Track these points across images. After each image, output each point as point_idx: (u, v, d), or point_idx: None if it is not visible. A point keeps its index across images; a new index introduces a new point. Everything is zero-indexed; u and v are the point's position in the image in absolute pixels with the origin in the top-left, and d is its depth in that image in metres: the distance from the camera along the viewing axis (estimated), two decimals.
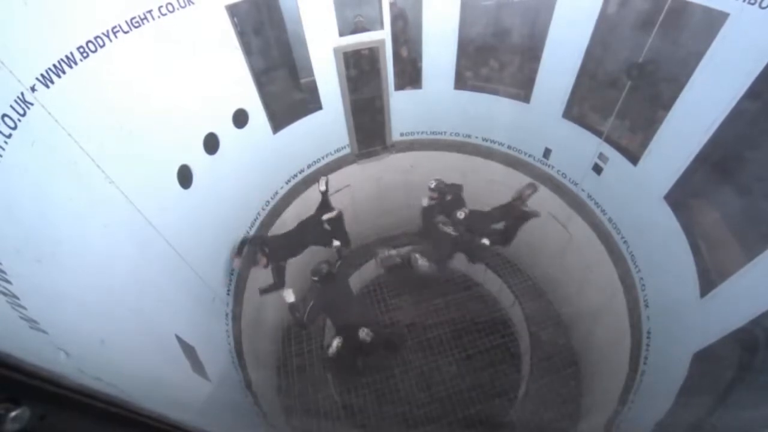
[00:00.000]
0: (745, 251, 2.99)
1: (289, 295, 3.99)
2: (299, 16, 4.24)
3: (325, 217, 4.40)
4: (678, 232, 3.55)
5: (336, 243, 4.54)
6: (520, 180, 5.52)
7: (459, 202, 4.76)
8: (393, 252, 4.68)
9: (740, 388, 2.75)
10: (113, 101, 2.62)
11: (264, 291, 4.65)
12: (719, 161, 3.32)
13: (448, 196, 4.70)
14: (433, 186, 4.62)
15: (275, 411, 4.62)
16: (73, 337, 1.81)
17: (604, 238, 4.61)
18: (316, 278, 4.04)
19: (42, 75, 2.09)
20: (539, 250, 6.16)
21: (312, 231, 4.49)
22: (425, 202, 4.74)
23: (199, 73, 3.47)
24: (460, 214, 4.43)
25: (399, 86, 5.36)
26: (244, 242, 4.25)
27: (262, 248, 4.19)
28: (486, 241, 4.45)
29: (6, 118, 1.83)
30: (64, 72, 2.22)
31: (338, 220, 4.50)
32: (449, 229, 4.36)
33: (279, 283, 4.53)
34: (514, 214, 4.69)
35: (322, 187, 4.61)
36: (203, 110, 3.62)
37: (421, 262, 4.28)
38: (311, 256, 4.76)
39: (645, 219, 3.97)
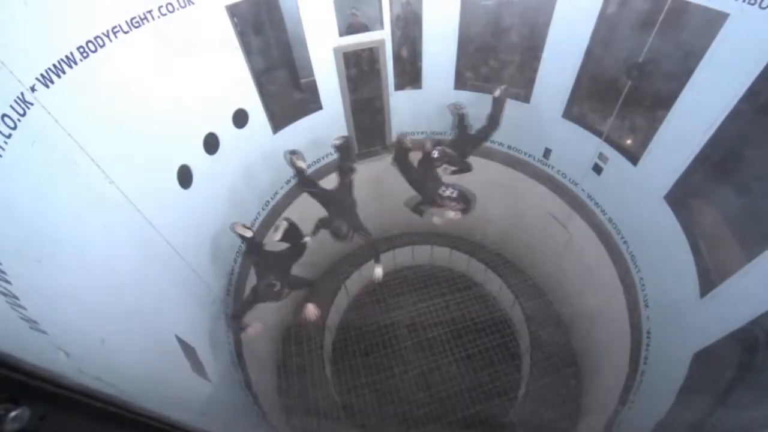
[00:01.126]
0: (745, 251, 2.99)
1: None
2: (299, 16, 4.24)
3: (277, 238, 3.97)
4: (678, 232, 3.55)
5: (306, 238, 4.18)
6: (521, 180, 5.54)
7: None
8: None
9: (740, 388, 2.75)
10: (113, 101, 2.62)
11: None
12: (719, 161, 3.32)
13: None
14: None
15: (275, 411, 4.63)
16: (73, 337, 1.81)
17: (604, 238, 4.61)
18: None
19: (42, 75, 2.09)
20: (539, 250, 6.16)
21: (281, 260, 4.02)
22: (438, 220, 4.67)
23: (199, 73, 3.47)
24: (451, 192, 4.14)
25: (399, 86, 5.36)
26: (238, 315, 3.66)
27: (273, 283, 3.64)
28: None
29: (6, 118, 1.83)
30: (64, 72, 2.22)
31: (292, 228, 4.05)
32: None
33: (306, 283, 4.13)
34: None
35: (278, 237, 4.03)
36: (203, 110, 3.62)
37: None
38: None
39: (645, 219, 3.97)
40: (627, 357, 4.07)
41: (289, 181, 5.28)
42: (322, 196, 4.28)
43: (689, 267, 3.41)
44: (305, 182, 4.39)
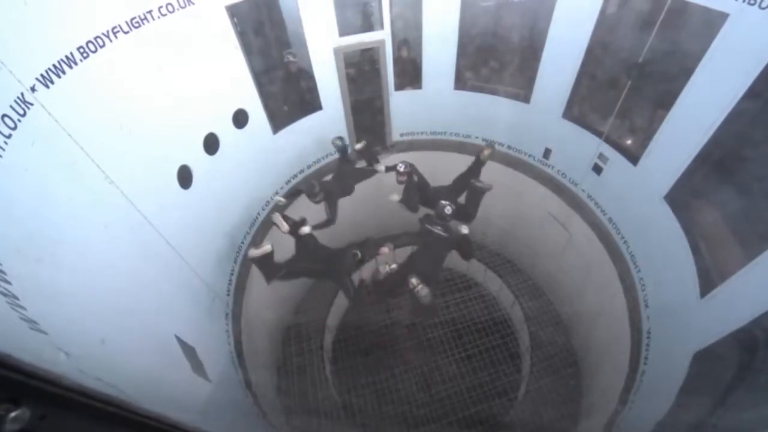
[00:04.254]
0: (745, 251, 2.99)
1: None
2: (299, 16, 4.24)
3: (285, 229, 4.13)
4: (678, 232, 3.55)
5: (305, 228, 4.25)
6: (521, 180, 5.54)
7: (424, 182, 4.75)
8: (393, 267, 4.32)
9: (740, 388, 2.74)
10: (113, 101, 2.63)
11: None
12: (719, 161, 3.32)
13: (415, 177, 4.62)
14: (402, 169, 4.52)
15: (275, 411, 4.62)
16: (73, 337, 1.81)
17: (604, 238, 4.61)
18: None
19: (42, 75, 2.09)
20: (539, 250, 6.16)
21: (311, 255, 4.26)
22: (395, 197, 4.68)
23: (199, 73, 3.47)
24: (448, 209, 4.15)
25: (399, 86, 5.36)
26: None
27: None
28: (465, 229, 4.20)
29: (6, 118, 1.83)
30: (64, 72, 2.22)
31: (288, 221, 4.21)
32: (438, 230, 4.16)
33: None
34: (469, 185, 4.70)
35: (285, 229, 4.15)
36: (203, 110, 3.62)
37: (423, 292, 3.83)
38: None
39: (645, 219, 3.97)
40: (627, 357, 4.07)
41: (289, 181, 5.28)
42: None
43: (689, 267, 3.41)
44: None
